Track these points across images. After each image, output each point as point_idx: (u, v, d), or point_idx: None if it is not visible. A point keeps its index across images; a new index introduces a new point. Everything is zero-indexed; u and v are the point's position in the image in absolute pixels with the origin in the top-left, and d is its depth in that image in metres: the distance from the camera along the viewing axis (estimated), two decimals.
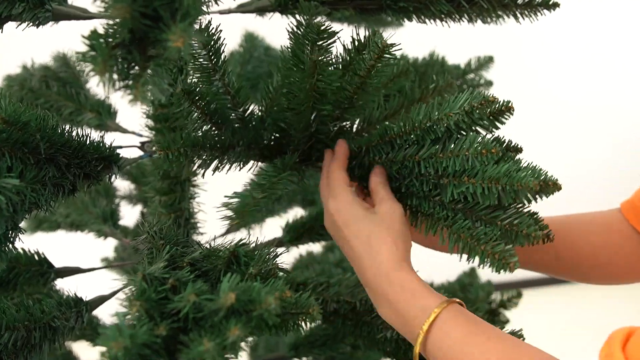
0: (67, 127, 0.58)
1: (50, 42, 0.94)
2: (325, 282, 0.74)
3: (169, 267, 0.51)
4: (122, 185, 1.05)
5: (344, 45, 0.61)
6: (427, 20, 0.70)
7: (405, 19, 0.71)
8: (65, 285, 0.71)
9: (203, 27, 0.55)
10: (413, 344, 0.54)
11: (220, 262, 0.54)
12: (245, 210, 0.58)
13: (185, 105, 0.59)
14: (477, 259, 0.55)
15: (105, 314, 0.82)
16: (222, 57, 0.58)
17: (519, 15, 0.69)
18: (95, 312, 0.74)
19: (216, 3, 0.57)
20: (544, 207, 0.59)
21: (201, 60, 0.58)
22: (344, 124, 0.69)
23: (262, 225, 1.03)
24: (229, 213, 0.58)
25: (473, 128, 0.58)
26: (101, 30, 0.39)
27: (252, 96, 0.80)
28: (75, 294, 0.66)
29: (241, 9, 0.71)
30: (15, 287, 0.70)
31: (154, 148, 0.72)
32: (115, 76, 0.39)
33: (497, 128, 0.58)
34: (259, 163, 0.70)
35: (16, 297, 0.70)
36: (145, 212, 1.02)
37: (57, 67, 0.87)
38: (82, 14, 0.63)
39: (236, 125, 0.64)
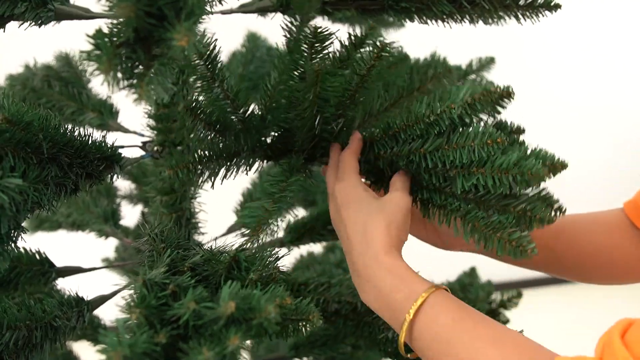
0: (70, 126, 0.58)
1: (52, 41, 0.94)
2: (326, 282, 0.74)
3: (170, 272, 0.51)
4: (123, 185, 1.05)
5: (340, 41, 0.61)
6: (428, 21, 0.70)
7: (407, 20, 0.71)
8: (67, 285, 0.71)
9: (198, 38, 0.55)
10: (398, 331, 0.53)
11: (221, 267, 0.54)
12: (260, 225, 0.58)
13: (189, 120, 0.59)
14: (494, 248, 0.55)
15: (106, 313, 0.82)
16: (220, 65, 0.58)
17: (520, 16, 0.69)
18: (96, 312, 0.74)
19: (220, 2, 0.57)
20: None
21: (200, 70, 0.58)
22: (347, 120, 0.69)
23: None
24: (245, 230, 0.58)
25: (475, 118, 0.58)
26: (106, 29, 0.39)
27: (253, 96, 0.80)
28: (76, 294, 0.66)
29: (243, 9, 0.71)
30: (16, 286, 0.70)
31: (160, 158, 0.72)
32: (119, 75, 0.39)
33: (499, 113, 0.58)
34: (265, 163, 0.70)
35: (17, 297, 0.70)
36: (146, 212, 1.02)
37: (60, 66, 0.87)
38: (85, 14, 0.63)
39: (238, 128, 0.65)
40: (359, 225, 0.57)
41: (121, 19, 0.38)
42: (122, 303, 0.45)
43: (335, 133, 0.67)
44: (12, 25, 0.60)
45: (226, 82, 0.60)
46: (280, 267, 0.57)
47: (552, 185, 0.64)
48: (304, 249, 1.04)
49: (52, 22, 0.60)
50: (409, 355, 0.57)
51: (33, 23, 0.58)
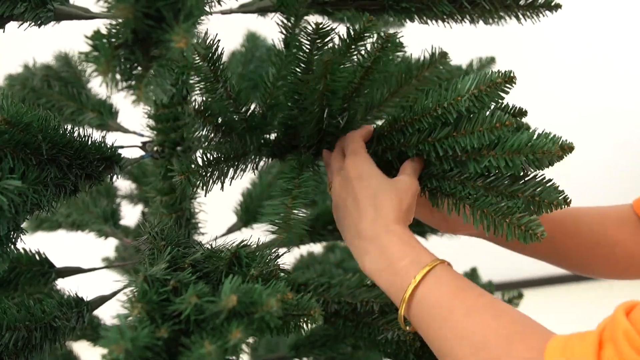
0: (69, 127, 0.57)
1: (52, 41, 0.94)
2: (326, 282, 0.74)
3: (171, 269, 0.51)
4: (123, 185, 1.05)
5: (339, 36, 0.61)
6: (429, 21, 0.70)
7: (407, 20, 0.71)
8: (66, 285, 0.71)
9: (201, 39, 0.55)
10: (394, 294, 0.53)
11: (222, 264, 0.54)
12: (288, 222, 0.58)
13: (199, 123, 0.60)
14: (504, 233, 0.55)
15: (106, 314, 0.82)
16: (223, 65, 0.59)
17: (520, 16, 0.69)
18: (96, 312, 0.74)
19: (219, 3, 0.57)
20: None
21: (204, 71, 0.58)
22: (351, 113, 0.69)
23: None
24: (274, 228, 0.58)
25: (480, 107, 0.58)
26: (104, 31, 0.39)
27: (253, 96, 0.80)
28: (76, 294, 0.66)
29: (243, 9, 0.71)
30: (16, 287, 0.70)
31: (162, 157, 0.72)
32: (118, 76, 0.39)
33: (502, 99, 0.58)
34: (269, 161, 0.71)
35: (17, 297, 0.70)
36: (146, 212, 1.02)
37: (59, 66, 0.87)
38: (84, 14, 0.63)
39: (242, 128, 0.65)
40: (370, 197, 0.58)
41: (120, 20, 0.38)
42: (123, 299, 0.45)
43: (341, 126, 0.68)
44: (11, 25, 0.60)
45: (229, 82, 0.60)
46: (281, 265, 0.57)
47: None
48: (303, 249, 1.04)
49: (52, 23, 0.60)
50: (407, 328, 0.57)
51: (32, 23, 0.58)
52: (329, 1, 0.69)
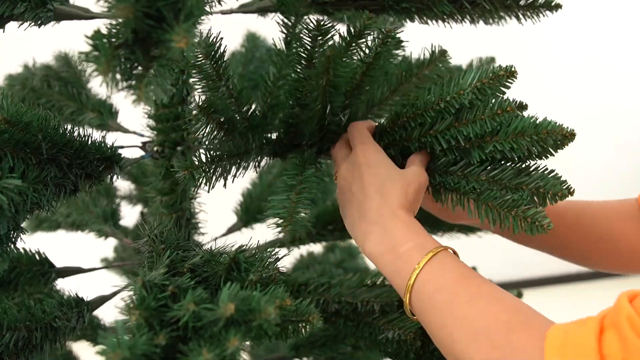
0: (69, 127, 0.57)
1: (51, 41, 0.94)
2: (326, 282, 0.74)
3: (169, 273, 0.51)
4: (122, 185, 1.05)
5: (340, 34, 0.61)
6: (429, 21, 0.70)
7: (408, 20, 0.71)
8: (66, 285, 0.71)
9: (204, 37, 0.55)
10: (395, 279, 0.53)
11: (221, 268, 0.54)
12: (292, 214, 0.58)
13: (203, 120, 0.60)
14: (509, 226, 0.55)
15: (106, 314, 0.82)
16: (225, 64, 0.59)
17: (521, 16, 0.69)
18: (96, 312, 0.73)
19: (219, 3, 0.57)
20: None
21: (206, 69, 0.58)
22: (352, 110, 0.69)
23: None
24: (279, 221, 0.58)
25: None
26: (104, 30, 0.39)
27: (254, 96, 0.79)
28: (76, 294, 0.66)
29: (243, 9, 0.71)
30: (16, 287, 0.70)
31: (163, 154, 0.72)
32: (118, 76, 0.39)
33: (503, 93, 0.59)
34: (270, 160, 0.71)
35: (17, 297, 0.70)
36: (145, 212, 1.02)
37: (59, 66, 0.87)
38: (84, 14, 0.63)
39: (244, 127, 0.65)
40: (378, 184, 0.58)
41: (120, 20, 0.38)
42: (121, 304, 0.45)
43: (343, 124, 0.68)
44: (11, 25, 0.60)
45: (231, 80, 0.60)
46: (280, 268, 0.57)
47: None
48: (303, 249, 1.04)
49: (52, 22, 0.60)
50: (414, 318, 0.56)
51: (32, 23, 0.58)
52: (329, 1, 0.69)
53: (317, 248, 1.06)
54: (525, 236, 0.63)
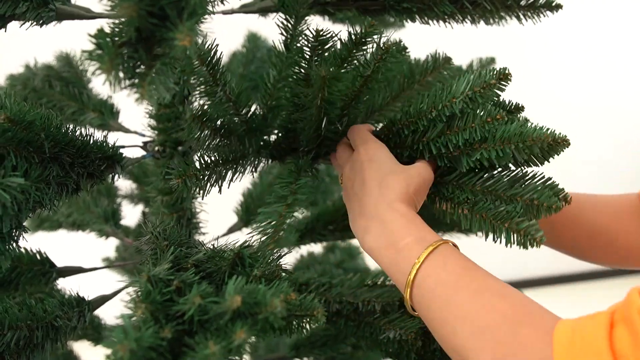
0: (71, 126, 0.58)
1: (53, 41, 0.94)
2: (327, 282, 0.74)
3: (174, 269, 0.51)
4: (123, 184, 1.05)
5: (341, 40, 0.61)
6: (430, 21, 0.70)
7: (408, 20, 0.71)
8: (67, 285, 0.71)
9: (200, 44, 0.55)
10: (395, 273, 0.52)
11: (225, 264, 0.54)
12: (277, 232, 0.58)
13: (196, 128, 0.60)
14: (503, 239, 0.55)
15: (107, 313, 0.82)
16: (222, 69, 0.59)
17: (521, 16, 0.69)
18: (97, 312, 0.73)
19: (222, 2, 0.57)
20: None
21: (203, 75, 0.58)
22: (350, 118, 0.69)
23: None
24: (262, 237, 0.58)
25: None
26: (108, 29, 0.39)
27: (254, 96, 0.79)
28: (77, 294, 0.66)
29: (244, 9, 0.71)
30: (17, 286, 0.70)
31: (162, 157, 0.72)
32: (121, 75, 0.39)
33: (498, 96, 0.59)
34: (269, 163, 0.71)
35: (18, 297, 0.70)
36: (146, 211, 1.02)
37: (60, 66, 0.87)
38: (86, 14, 0.63)
39: (242, 130, 0.65)
40: (378, 178, 0.57)
41: (123, 19, 0.38)
42: (127, 298, 0.45)
43: (340, 132, 0.68)
44: (12, 25, 0.60)
45: (228, 85, 0.60)
46: (283, 265, 0.57)
47: None
48: (304, 249, 1.04)
49: (53, 22, 0.60)
50: (415, 313, 0.55)
51: (34, 23, 0.58)
52: (330, 1, 0.69)
53: (317, 248, 1.06)
54: None
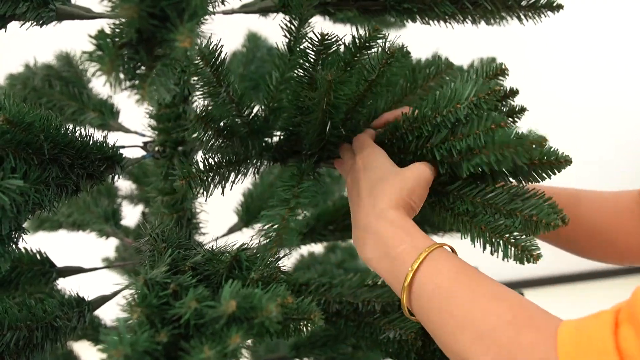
0: (71, 127, 0.57)
1: (53, 41, 0.94)
2: (327, 282, 0.73)
3: (171, 271, 0.51)
4: (123, 185, 1.05)
5: (345, 44, 0.61)
6: (430, 22, 0.70)
7: (409, 20, 0.71)
8: (67, 285, 0.71)
9: (204, 45, 0.55)
10: (393, 282, 0.53)
11: (222, 267, 0.54)
12: (281, 234, 0.58)
13: (200, 129, 0.60)
14: (500, 252, 0.55)
15: (107, 313, 0.82)
16: (226, 71, 0.59)
17: (522, 16, 0.69)
18: (97, 312, 0.73)
19: (222, 3, 0.57)
20: None
21: (207, 76, 0.58)
22: (353, 122, 0.69)
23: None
24: (265, 240, 0.58)
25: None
26: (108, 30, 0.38)
27: (254, 96, 0.79)
28: (77, 294, 0.66)
29: (244, 9, 0.71)
30: (17, 286, 0.70)
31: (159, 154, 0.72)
32: (121, 76, 0.39)
33: (500, 103, 0.59)
34: (270, 165, 0.71)
35: (18, 297, 0.69)
36: (146, 212, 1.01)
37: (60, 66, 0.87)
38: (86, 14, 0.63)
39: (244, 132, 0.65)
40: (370, 187, 0.57)
41: (124, 20, 0.38)
42: (123, 302, 0.45)
43: (344, 135, 0.68)
44: (12, 24, 0.60)
45: (231, 86, 0.60)
46: (282, 267, 0.57)
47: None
48: (304, 249, 1.04)
49: (53, 22, 0.60)
50: (412, 318, 0.55)
51: (34, 23, 0.58)
52: (331, 1, 0.69)
53: (317, 248, 1.06)
54: None
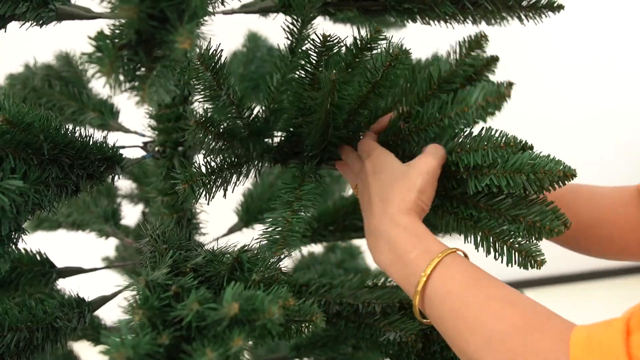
0: (70, 127, 0.57)
1: (52, 41, 0.93)
2: (327, 283, 0.73)
3: (172, 273, 0.51)
4: (123, 184, 1.05)
5: (346, 46, 0.61)
6: (431, 22, 0.70)
7: (410, 21, 0.70)
8: (67, 286, 0.71)
9: (204, 50, 0.55)
10: (407, 287, 0.53)
11: (224, 268, 0.54)
12: (285, 236, 0.58)
13: (200, 134, 0.60)
14: (504, 257, 0.55)
15: (107, 314, 0.82)
16: (227, 74, 0.58)
17: (523, 17, 0.69)
18: (97, 312, 0.73)
19: (222, 4, 0.57)
20: None
21: (207, 80, 0.58)
22: (355, 123, 0.69)
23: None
24: (270, 244, 0.58)
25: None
26: (107, 31, 0.38)
27: (254, 97, 0.79)
28: (77, 294, 0.66)
29: (245, 9, 0.71)
30: (17, 287, 0.70)
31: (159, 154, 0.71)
32: (121, 77, 0.39)
33: (503, 103, 0.58)
34: (272, 166, 0.70)
35: (18, 298, 0.69)
36: (146, 211, 1.01)
37: (60, 66, 0.87)
38: (86, 14, 0.63)
39: (245, 134, 0.65)
40: (380, 191, 0.57)
41: (123, 21, 0.38)
42: (124, 304, 0.45)
43: (345, 137, 0.68)
44: (12, 24, 0.60)
45: (232, 89, 0.60)
46: (282, 268, 0.57)
47: None
48: (304, 250, 1.04)
49: (53, 22, 0.60)
50: (424, 321, 0.56)
51: (34, 23, 0.58)
52: (331, 1, 0.68)
53: (317, 248, 1.06)
54: None
